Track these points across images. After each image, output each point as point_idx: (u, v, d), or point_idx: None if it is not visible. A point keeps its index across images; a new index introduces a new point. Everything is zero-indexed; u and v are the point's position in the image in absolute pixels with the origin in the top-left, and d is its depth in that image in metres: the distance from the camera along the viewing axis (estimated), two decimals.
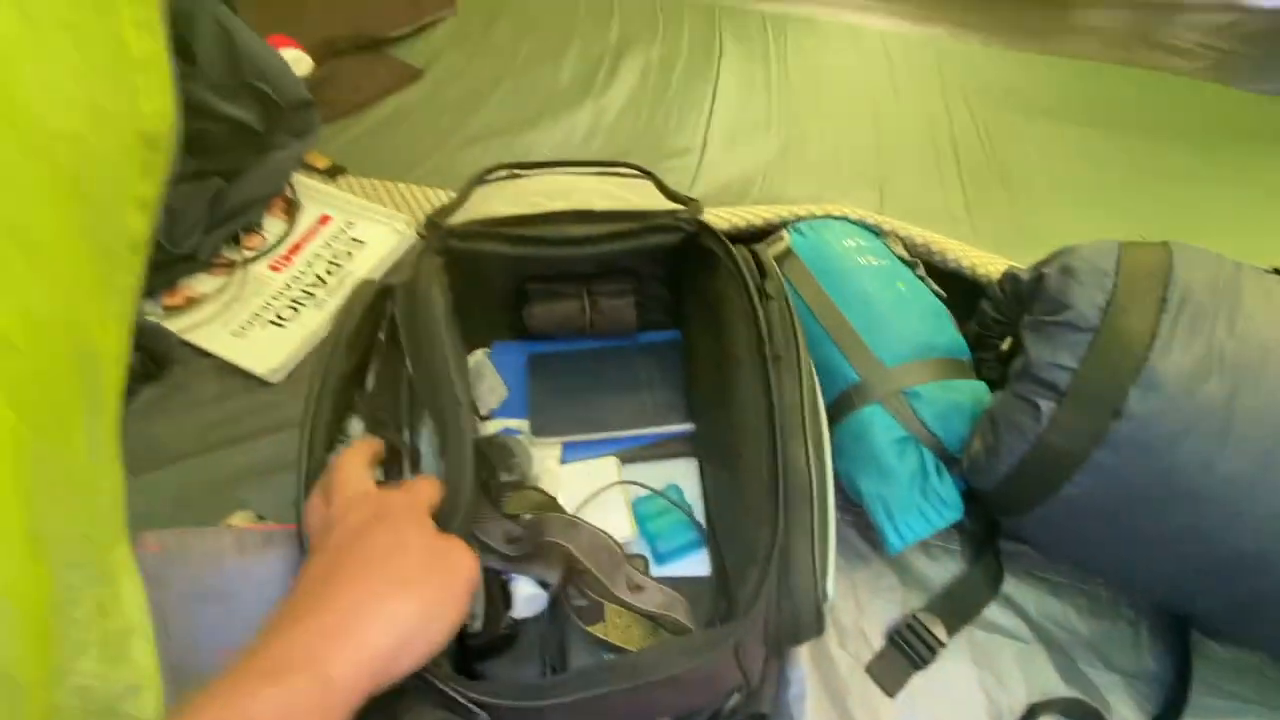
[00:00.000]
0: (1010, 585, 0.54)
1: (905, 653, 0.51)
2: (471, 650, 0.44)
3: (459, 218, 0.59)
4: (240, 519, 0.47)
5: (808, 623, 0.41)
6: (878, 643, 0.52)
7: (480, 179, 0.72)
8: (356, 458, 0.40)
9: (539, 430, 0.54)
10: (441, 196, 0.80)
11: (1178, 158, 0.98)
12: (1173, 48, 1.26)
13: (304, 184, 0.79)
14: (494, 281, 0.55)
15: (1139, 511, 0.42)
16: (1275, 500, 0.38)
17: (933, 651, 0.50)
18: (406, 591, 0.31)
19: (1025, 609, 0.54)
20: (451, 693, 0.34)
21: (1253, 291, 0.42)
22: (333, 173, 0.82)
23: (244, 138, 0.73)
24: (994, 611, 0.53)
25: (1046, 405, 0.42)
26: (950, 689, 0.50)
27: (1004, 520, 0.52)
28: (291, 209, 0.76)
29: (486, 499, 0.45)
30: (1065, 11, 1.33)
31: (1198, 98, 1.11)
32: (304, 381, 0.62)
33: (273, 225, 0.75)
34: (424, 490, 0.38)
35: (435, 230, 0.50)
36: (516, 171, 0.81)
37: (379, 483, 0.40)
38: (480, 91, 0.98)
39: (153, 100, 0.30)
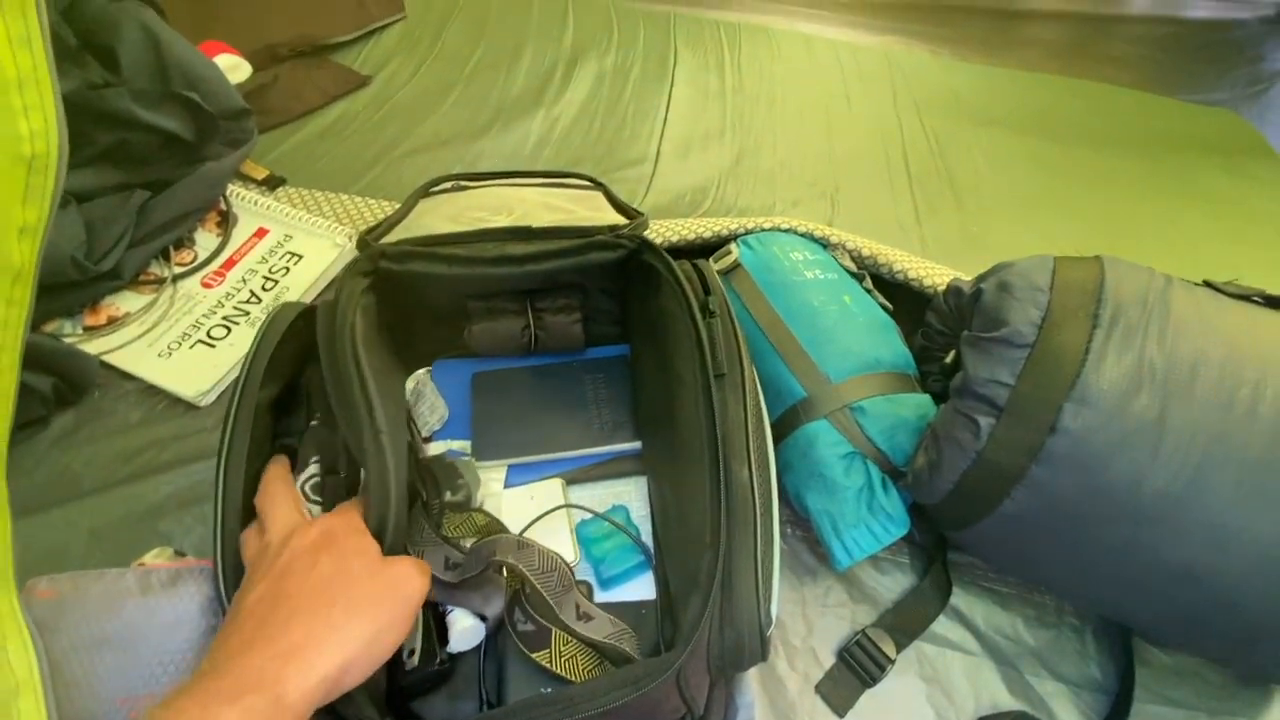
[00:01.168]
0: (959, 597, 0.55)
1: (855, 671, 0.50)
2: (404, 688, 0.42)
3: (398, 233, 0.57)
4: (155, 556, 0.44)
5: (751, 649, 0.40)
6: (827, 661, 0.51)
7: (426, 190, 0.70)
8: (279, 484, 0.41)
9: (481, 453, 0.53)
10: (385, 208, 0.78)
11: (1120, 167, 1.01)
12: (1114, 59, 1.30)
13: (240, 196, 0.76)
14: (432, 300, 0.54)
15: (1077, 526, 0.42)
16: (1206, 514, 0.39)
17: (882, 669, 0.50)
18: (356, 617, 0.33)
19: (973, 621, 0.54)
20: None
21: (1182, 305, 0.43)
22: (271, 184, 0.79)
23: (173, 149, 0.69)
24: (942, 624, 0.53)
25: (985, 421, 0.42)
26: (899, 706, 0.50)
27: (949, 534, 0.52)
28: (226, 222, 0.73)
29: (427, 522, 0.44)
30: (1010, 23, 1.36)
31: (1139, 108, 1.14)
32: None
33: (205, 239, 0.72)
34: (358, 511, 0.39)
35: (365, 250, 0.48)
36: (463, 183, 0.79)
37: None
38: (429, 99, 0.96)
39: (33, 120, 0.28)
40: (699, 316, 0.46)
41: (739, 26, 1.19)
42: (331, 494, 0.43)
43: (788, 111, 1.03)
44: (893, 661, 0.50)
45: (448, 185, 0.77)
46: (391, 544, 0.39)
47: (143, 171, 0.68)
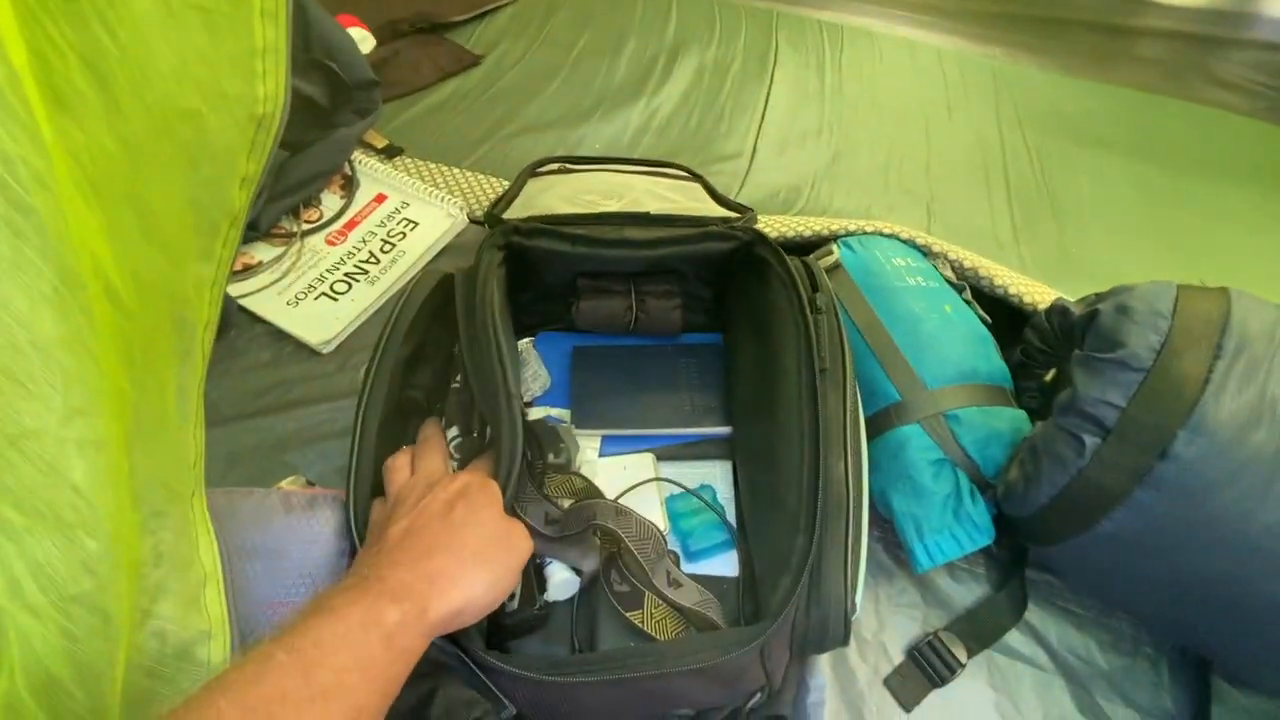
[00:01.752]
0: (1033, 614, 0.55)
1: (924, 670, 0.51)
2: (505, 628, 0.45)
3: (515, 211, 0.61)
4: (290, 483, 0.49)
5: (835, 632, 0.42)
6: (897, 657, 0.53)
7: (533, 170, 0.74)
8: (435, 439, 0.46)
9: (580, 421, 0.56)
10: (494, 183, 0.82)
11: (1229, 198, 0.97)
12: (1230, 84, 1.23)
13: (362, 162, 0.81)
14: (547, 275, 0.57)
15: (1175, 553, 0.42)
16: None
17: (952, 671, 0.51)
18: (479, 563, 0.37)
19: (1047, 638, 0.54)
20: (487, 663, 0.36)
21: None
22: (390, 153, 0.84)
23: (310, 113, 0.75)
24: (1015, 638, 0.54)
25: (1091, 440, 0.43)
26: (966, 710, 0.51)
27: (1034, 549, 0.52)
28: (349, 186, 0.78)
29: (530, 480, 0.47)
30: (1121, 39, 1.31)
31: (1253, 138, 1.09)
32: (353, 354, 0.65)
33: (330, 200, 0.77)
34: (488, 469, 0.43)
35: (498, 224, 0.52)
36: (568, 165, 0.82)
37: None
38: (536, 81, 1.00)
39: (268, 84, 0.31)
40: (808, 311, 0.48)
41: (841, 27, 1.18)
42: (468, 453, 0.47)
43: (887, 116, 1.03)
44: (963, 665, 0.51)
45: (554, 166, 0.80)
46: (511, 498, 0.42)
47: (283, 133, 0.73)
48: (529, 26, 1.09)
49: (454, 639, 0.37)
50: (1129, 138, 1.05)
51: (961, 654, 0.52)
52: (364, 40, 0.94)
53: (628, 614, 0.44)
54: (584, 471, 0.54)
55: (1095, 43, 1.31)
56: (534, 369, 0.60)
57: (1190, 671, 0.53)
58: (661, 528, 0.51)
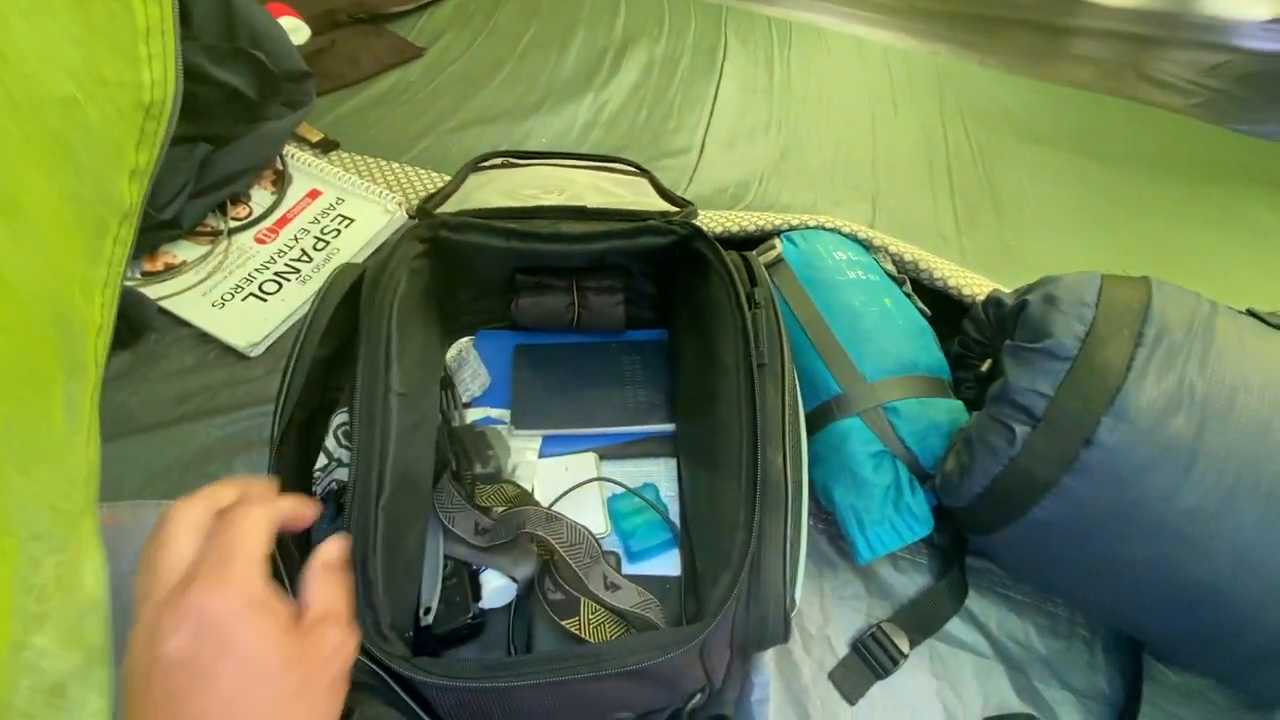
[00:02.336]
0: (974, 601, 0.56)
1: (868, 662, 0.52)
2: (437, 639, 0.44)
3: (451, 205, 0.59)
4: None
5: (775, 629, 0.42)
6: (841, 650, 0.53)
7: (475, 165, 0.72)
8: (189, 514, 0.30)
9: (519, 422, 0.54)
10: (435, 179, 0.80)
11: (1164, 193, 1.00)
12: (1165, 83, 1.28)
13: (295, 156, 0.78)
14: (482, 271, 0.55)
15: (1104, 538, 0.43)
16: (1234, 536, 0.40)
17: (895, 662, 0.51)
18: None
19: (987, 625, 0.55)
20: (412, 673, 0.34)
21: (1226, 331, 0.43)
22: (325, 147, 0.81)
23: (236, 105, 0.71)
24: (956, 626, 0.55)
25: (1021, 430, 0.43)
26: (909, 699, 0.51)
27: (972, 538, 0.53)
28: (281, 181, 0.75)
29: (457, 490, 0.45)
30: (1062, 38, 1.35)
31: (1187, 135, 1.13)
32: (284, 357, 0.62)
33: (261, 196, 0.74)
34: (248, 535, 0.29)
35: (425, 218, 0.50)
36: (512, 160, 0.80)
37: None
38: (480, 74, 0.97)
39: (155, 69, 0.29)
40: (745, 306, 0.47)
41: (790, 23, 1.19)
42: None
43: (834, 112, 1.03)
44: (905, 656, 0.52)
45: (497, 161, 0.78)
46: (395, 508, 0.39)
47: (206, 126, 0.70)
48: (474, 18, 1.07)
49: (371, 653, 0.35)
50: (1067, 134, 1.08)
51: (904, 644, 0.52)
52: (297, 30, 0.90)
53: (563, 622, 0.43)
54: (523, 473, 0.53)
55: (1036, 41, 1.34)
56: (473, 368, 0.58)
57: (1123, 652, 0.54)
58: (603, 529, 0.50)
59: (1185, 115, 1.18)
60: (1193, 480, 0.40)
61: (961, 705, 0.51)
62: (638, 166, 0.80)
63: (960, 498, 0.47)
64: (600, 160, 0.84)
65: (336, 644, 0.30)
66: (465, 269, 0.54)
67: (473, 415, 0.56)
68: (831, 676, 0.51)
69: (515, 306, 0.57)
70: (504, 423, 0.55)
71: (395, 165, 0.81)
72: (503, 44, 1.03)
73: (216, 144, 0.70)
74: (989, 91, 1.14)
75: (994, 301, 0.54)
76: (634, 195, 0.74)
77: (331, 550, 0.33)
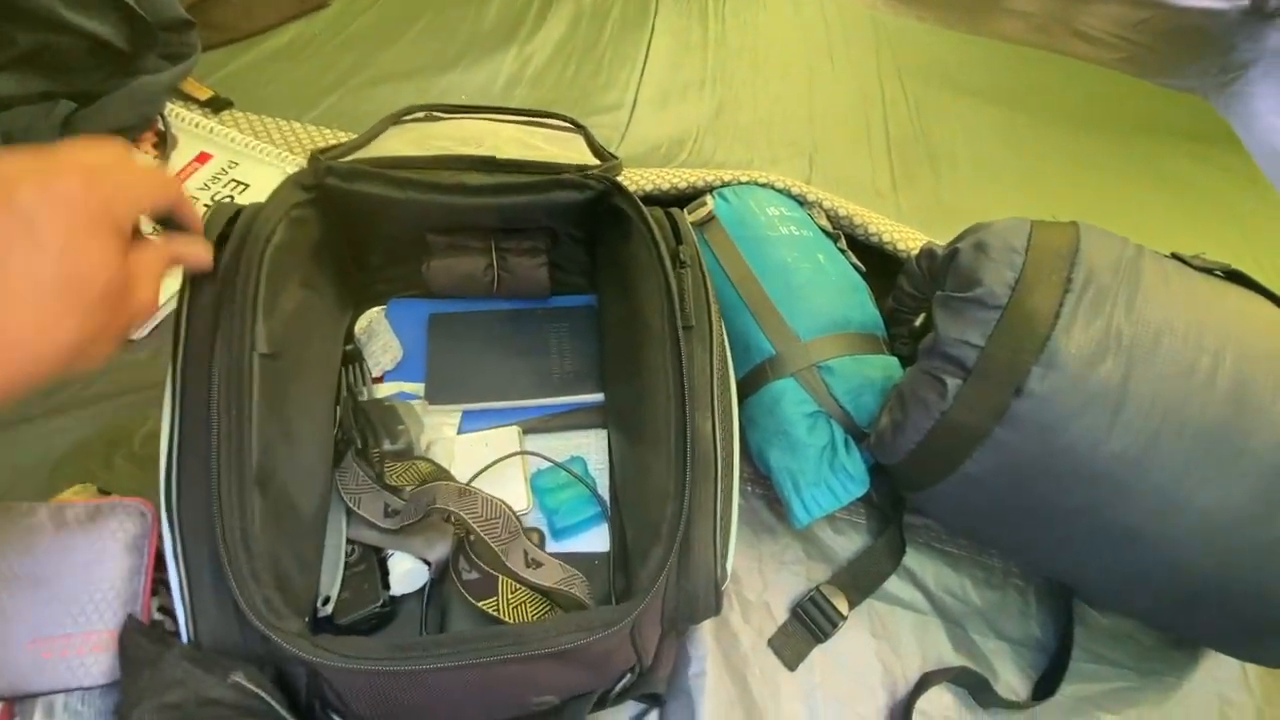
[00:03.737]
0: (911, 558, 0.55)
1: (807, 626, 0.51)
2: (341, 629, 0.40)
3: (358, 157, 0.53)
4: (76, 493, 0.41)
5: (705, 603, 0.40)
6: (781, 616, 0.52)
7: (396, 118, 0.66)
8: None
9: (434, 396, 0.51)
10: (341, 139, 0.73)
11: (1092, 145, 1.01)
12: (1092, 37, 1.30)
13: (180, 116, 0.70)
14: (388, 229, 0.50)
15: (1035, 488, 0.42)
16: (1157, 478, 0.39)
17: (834, 624, 0.50)
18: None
19: (924, 581, 0.55)
20: (306, 656, 0.31)
21: (1152, 275, 0.43)
22: (216, 106, 0.73)
23: (103, 57, 0.63)
24: (895, 584, 0.54)
25: (953, 382, 0.42)
26: (848, 661, 0.50)
27: (908, 495, 0.52)
28: (164, 144, 0.68)
29: (364, 469, 0.41)
30: None
31: (1113, 88, 1.15)
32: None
33: (140, 161, 0.66)
34: (131, 185, 0.28)
35: (314, 164, 0.44)
36: (436, 114, 0.74)
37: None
38: (394, 26, 0.90)
39: None
40: (669, 265, 0.44)
41: None
42: None
43: (770, 68, 1.00)
44: (844, 618, 0.51)
45: (420, 115, 0.72)
46: (275, 483, 0.36)
47: (69, 80, 0.62)
48: None
49: (267, 637, 0.32)
50: (1001, 88, 1.08)
51: (843, 605, 0.51)
52: None
53: (480, 603, 0.40)
54: (440, 450, 0.49)
55: None
56: (383, 340, 0.54)
57: (1055, 599, 0.55)
58: (525, 504, 0.47)
59: (1111, 69, 1.20)
60: (1119, 425, 0.39)
61: (900, 663, 0.51)
62: (573, 122, 0.75)
63: (894, 455, 0.46)
64: (533, 115, 0.78)
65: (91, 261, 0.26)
66: (365, 226, 0.49)
67: (385, 390, 0.52)
68: (771, 644, 0.50)
69: (427, 268, 0.53)
70: (419, 397, 0.51)
71: (296, 125, 0.74)
72: None
73: (82, 102, 0.62)
74: (925, 45, 1.12)
75: (927, 254, 0.52)
76: (564, 151, 0.70)
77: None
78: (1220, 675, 0.54)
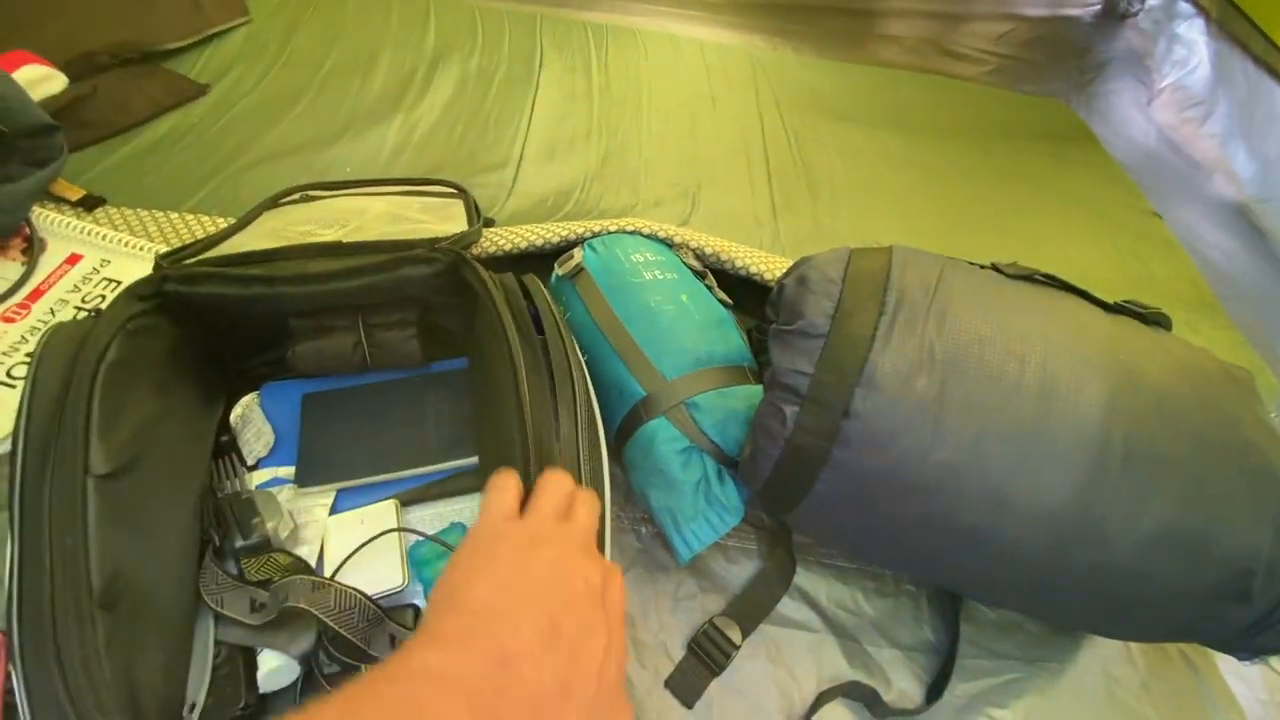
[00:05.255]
0: (803, 577, 0.57)
1: (703, 660, 0.51)
2: None
3: (225, 249, 0.54)
4: None
5: None
6: (678, 654, 0.52)
7: (273, 203, 0.66)
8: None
9: (305, 480, 0.50)
10: (220, 225, 0.74)
11: (961, 156, 1.08)
12: (961, 55, 1.38)
13: (49, 219, 0.69)
14: (246, 323, 0.51)
15: (878, 502, 0.44)
16: (984, 480, 0.42)
17: (728, 655, 0.51)
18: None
19: (817, 599, 0.56)
20: None
21: (963, 289, 0.46)
22: (89, 204, 0.73)
23: None
24: (788, 605, 0.55)
25: (791, 410, 0.44)
26: (744, 689, 0.51)
27: (780, 518, 0.54)
28: (32, 248, 0.67)
29: (220, 568, 0.41)
30: (869, 21, 1.43)
31: (979, 100, 1.23)
32: None
33: (8, 269, 0.65)
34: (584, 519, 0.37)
35: (155, 272, 0.45)
36: (310, 194, 0.75)
37: None
38: (275, 108, 0.91)
39: None
40: (512, 335, 0.45)
41: (606, 27, 1.19)
42: None
43: (654, 112, 1.04)
44: (738, 647, 0.52)
45: (296, 196, 0.73)
46: (123, 604, 0.36)
47: None
48: (266, 49, 1.00)
49: None
50: (875, 112, 1.14)
51: (736, 635, 0.52)
52: (47, 79, 0.81)
53: None
54: (312, 533, 0.49)
55: (846, 25, 1.41)
56: (256, 426, 0.54)
57: (945, 599, 0.57)
58: (401, 580, 0.47)
59: (978, 83, 1.28)
60: (942, 435, 0.41)
61: (797, 686, 0.52)
62: (455, 186, 0.77)
63: (756, 482, 0.48)
64: (414, 184, 0.80)
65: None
66: (222, 322, 0.50)
67: (260, 478, 0.52)
68: (668, 684, 0.51)
69: (292, 354, 0.53)
70: (291, 481, 0.51)
71: (174, 215, 0.74)
72: (300, 74, 0.97)
73: None
74: (801, 77, 1.19)
75: (779, 286, 0.55)
76: (438, 221, 0.71)
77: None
78: (1105, 654, 0.56)
